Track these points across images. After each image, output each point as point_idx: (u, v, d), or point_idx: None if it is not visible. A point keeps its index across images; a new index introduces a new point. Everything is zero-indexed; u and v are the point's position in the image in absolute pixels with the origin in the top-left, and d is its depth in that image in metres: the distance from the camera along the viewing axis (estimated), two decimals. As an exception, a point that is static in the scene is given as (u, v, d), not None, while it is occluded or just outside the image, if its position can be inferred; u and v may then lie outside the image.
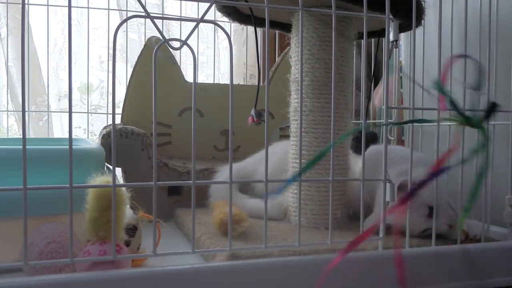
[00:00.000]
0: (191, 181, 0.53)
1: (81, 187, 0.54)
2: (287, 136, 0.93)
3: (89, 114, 1.37)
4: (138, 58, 1.13)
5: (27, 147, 0.48)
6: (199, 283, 0.54)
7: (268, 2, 0.55)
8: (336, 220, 0.81)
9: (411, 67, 0.84)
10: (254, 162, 0.99)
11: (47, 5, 1.29)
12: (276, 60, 1.29)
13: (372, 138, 1.15)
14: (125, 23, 1.08)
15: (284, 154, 0.89)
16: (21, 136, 0.48)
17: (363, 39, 0.63)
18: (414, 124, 0.68)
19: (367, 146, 0.84)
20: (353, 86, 0.88)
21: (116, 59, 0.54)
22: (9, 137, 1.28)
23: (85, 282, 0.51)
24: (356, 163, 0.89)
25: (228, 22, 1.17)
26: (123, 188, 0.57)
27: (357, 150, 0.90)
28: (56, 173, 0.59)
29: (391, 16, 0.64)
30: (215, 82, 1.41)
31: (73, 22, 1.16)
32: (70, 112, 0.49)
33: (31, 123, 1.40)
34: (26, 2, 0.80)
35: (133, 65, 1.13)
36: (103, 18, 1.43)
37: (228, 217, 0.57)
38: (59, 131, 1.47)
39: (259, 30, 1.06)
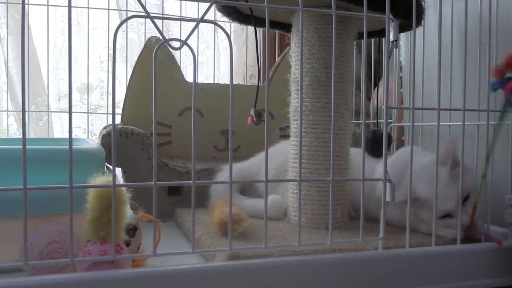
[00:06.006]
0: (191, 181, 0.53)
1: (81, 187, 0.54)
2: (287, 136, 0.93)
3: (89, 114, 1.37)
4: (138, 58, 1.13)
5: (27, 147, 0.48)
6: (199, 283, 0.55)
7: (268, 2, 0.55)
8: (336, 220, 0.81)
9: (411, 67, 0.84)
10: (257, 162, 0.99)
11: (47, 5, 1.29)
12: (276, 60, 1.29)
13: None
14: (125, 23, 1.08)
15: (288, 155, 0.88)
16: (21, 136, 0.48)
17: (363, 39, 0.63)
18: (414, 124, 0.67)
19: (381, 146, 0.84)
20: (353, 86, 0.88)
21: (116, 59, 0.54)
22: (9, 137, 1.28)
23: (85, 282, 0.51)
24: (378, 168, 0.85)
25: (228, 22, 1.17)
26: (123, 188, 0.57)
27: (372, 151, 0.89)
28: (56, 173, 0.59)
29: (391, 16, 0.64)
30: (215, 82, 1.41)
31: (73, 22, 1.16)
32: (70, 112, 0.49)
33: (31, 123, 1.40)
34: (26, 2, 0.80)
35: (133, 65, 1.13)
36: (103, 18, 1.43)
37: (228, 217, 0.57)
38: (59, 131, 1.47)
39: (259, 30, 1.06)
